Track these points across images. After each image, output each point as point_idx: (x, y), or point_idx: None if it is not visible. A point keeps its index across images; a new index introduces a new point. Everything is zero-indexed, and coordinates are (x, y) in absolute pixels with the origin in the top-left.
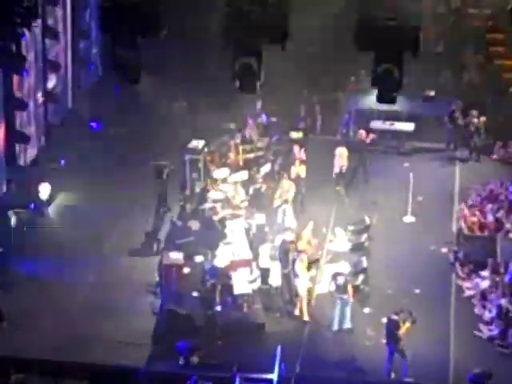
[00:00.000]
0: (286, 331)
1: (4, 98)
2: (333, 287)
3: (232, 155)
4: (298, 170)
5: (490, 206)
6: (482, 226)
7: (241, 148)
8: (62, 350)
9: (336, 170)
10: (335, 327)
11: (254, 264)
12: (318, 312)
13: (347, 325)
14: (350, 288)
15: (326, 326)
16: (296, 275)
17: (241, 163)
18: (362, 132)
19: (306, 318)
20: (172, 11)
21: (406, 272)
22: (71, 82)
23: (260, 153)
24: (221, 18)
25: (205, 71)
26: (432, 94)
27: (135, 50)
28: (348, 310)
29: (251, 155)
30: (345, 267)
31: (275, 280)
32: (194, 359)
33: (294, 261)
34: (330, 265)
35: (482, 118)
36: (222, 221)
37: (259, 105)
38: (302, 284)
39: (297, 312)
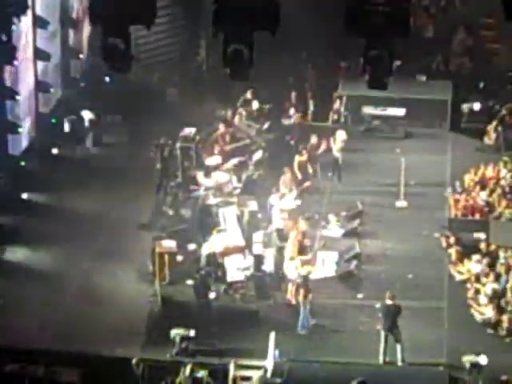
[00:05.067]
0: (279, 318)
1: None
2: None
3: (221, 144)
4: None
5: (482, 190)
6: (473, 211)
7: (227, 137)
8: (55, 339)
9: (335, 154)
10: (300, 330)
11: (247, 251)
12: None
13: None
14: (302, 292)
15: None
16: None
17: (228, 151)
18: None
19: (293, 301)
20: None
21: (398, 257)
22: (61, 72)
23: (248, 141)
24: (212, 4)
25: (196, 58)
26: (423, 78)
27: (125, 38)
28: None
29: (239, 144)
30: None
31: (268, 267)
32: (189, 347)
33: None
34: (323, 251)
35: None
36: (215, 208)
37: (250, 92)
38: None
39: (293, 300)
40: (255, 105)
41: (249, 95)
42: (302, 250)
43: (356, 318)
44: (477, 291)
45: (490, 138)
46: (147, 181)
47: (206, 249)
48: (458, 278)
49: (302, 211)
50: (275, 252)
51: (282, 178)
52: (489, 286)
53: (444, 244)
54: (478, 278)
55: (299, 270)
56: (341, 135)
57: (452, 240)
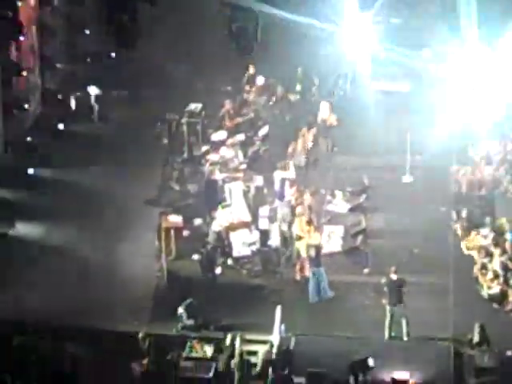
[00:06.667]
0: (285, 292)
1: (1, 63)
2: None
3: (227, 119)
4: None
5: (487, 165)
6: (480, 185)
7: (233, 113)
8: (62, 313)
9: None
10: (315, 299)
11: (253, 226)
12: None
13: (328, 294)
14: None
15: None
16: (295, 238)
17: (233, 126)
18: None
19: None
20: None
21: (404, 232)
22: (67, 47)
23: (252, 115)
24: None
25: (203, 34)
26: (430, 53)
27: (132, 14)
28: (324, 282)
29: (244, 119)
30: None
31: (274, 241)
32: (195, 321)
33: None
34: (329, 226)
35: None
36: (221, 183)
37: (252, 66)
38: (300, 246)
39: (297, 276)
40: (260, 80)
41: (251, 70)
42: (309, 224)
43: (362, 293)
44: (483, 266)
45: None
46: (154, 156)
47: (217, 226)
48: (466, 251)
49: (309, 186)
50: (285, 227)
51: (290, 148)
52: (496, 261)
53: (454, 217)
54: (485, 252)
55: (310, 241)
56: (324, 106)
57: (458, 214)
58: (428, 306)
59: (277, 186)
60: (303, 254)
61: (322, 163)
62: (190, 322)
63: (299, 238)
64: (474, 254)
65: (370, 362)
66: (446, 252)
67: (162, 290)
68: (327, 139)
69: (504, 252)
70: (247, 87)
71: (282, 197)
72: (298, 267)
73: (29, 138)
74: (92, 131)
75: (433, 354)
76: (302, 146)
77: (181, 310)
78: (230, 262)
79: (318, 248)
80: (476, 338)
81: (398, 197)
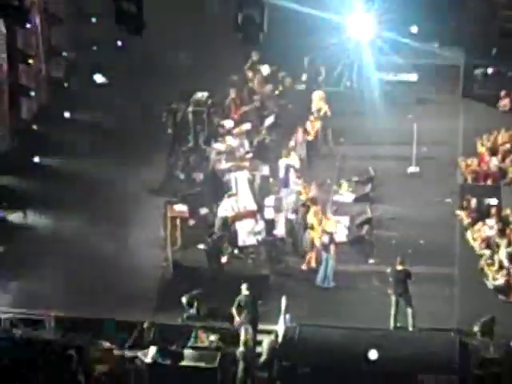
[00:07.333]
0: (290, 282)
1: (7, 51)
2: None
3: (232, 108)
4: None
5: (493, 156)
6: (486, 176)
7: (238, 102)
8: (68, 304)
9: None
10: (318, 282)
11: (258, 215)
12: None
13: (330, 283)
14: (332, 247)
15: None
16: (308, 227)
17: (239, 115)
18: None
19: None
20: None
21: (410, 222)
22: (74, 35)
23: (257, 103)
24: None
25: (209, 23)
26: (436, 44)
27: (137, 2)
28: (330, 269)
29: (249, 107)
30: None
31: (280, 231)
32: (200, 311)
33: (302, 212)
34: (335, 216)
35: None
36: (227, 173)
37: (255, 53)
38: (314, 236)
39: (304, 266)
40: (266, 70)
41: (255, 57)
42: (322, 213)
43: (367, 283)
44: (490, 256)
45: (503, 104)
46: (159, 145)
47: (222, 211)
48: (472, 243)
49: (314, 176)
50: (292, 215)
51: (294, 137)
52: (502, 252)
53: (456, 209)
54: (487, 244)
55: (326, 228)
56: (317, 95)
57: (464, 205)
58: (434, 296)
59: (281, 173)
60: (317, 243)
61: (324, 153)
62: (194, 311)
63: (313, 227)
64: (477, 244)
65: (372, 354)
66: (451, 243)
67: (167, 279)
68: (326, 129)
69: (510, 243)
70: (250, 74)
71: (286, 184)
72: (307, 257)
73: (35, 127)
74: (98, 120)
75: (438, 344)
76: (302, 137)
77: (184, 300)
78: (235, 251)
79: (331, 235)
80: (477, 328)
81: (403, 187)
